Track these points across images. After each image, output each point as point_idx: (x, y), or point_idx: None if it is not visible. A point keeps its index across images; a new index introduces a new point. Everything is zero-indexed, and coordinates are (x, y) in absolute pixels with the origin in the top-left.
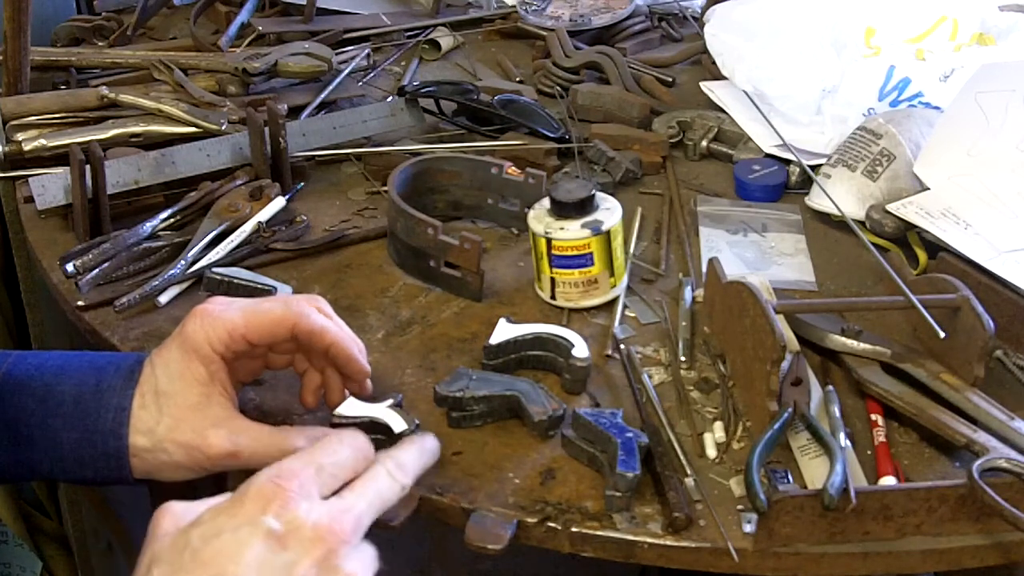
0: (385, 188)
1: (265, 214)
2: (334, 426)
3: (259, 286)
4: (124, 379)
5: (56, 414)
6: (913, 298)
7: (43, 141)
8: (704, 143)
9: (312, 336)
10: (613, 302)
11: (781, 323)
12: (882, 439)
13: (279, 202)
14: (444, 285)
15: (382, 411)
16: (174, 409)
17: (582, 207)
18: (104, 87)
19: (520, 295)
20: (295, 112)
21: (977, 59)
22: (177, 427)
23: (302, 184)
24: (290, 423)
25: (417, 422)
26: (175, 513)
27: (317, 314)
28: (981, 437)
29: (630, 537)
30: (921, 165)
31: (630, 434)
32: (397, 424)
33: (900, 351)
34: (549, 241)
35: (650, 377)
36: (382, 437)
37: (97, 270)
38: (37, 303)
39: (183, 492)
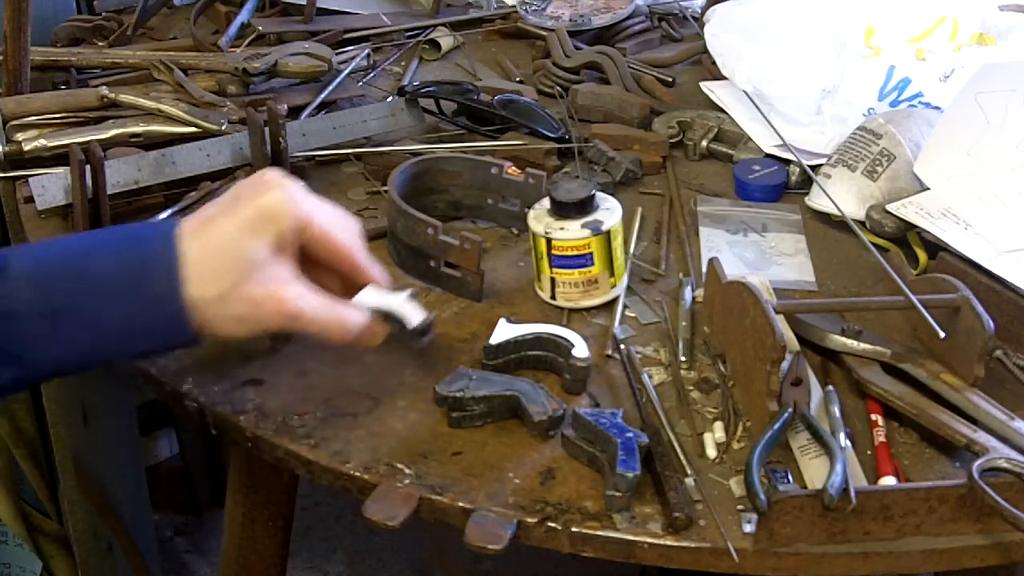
0: (385, 188)
1: None
2: None
3: None
4: (163, 242)
5: (104, 291)
6: (913, 298)
7: (43, 141)
8: (704, 143)
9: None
10: (613, 302)
11: (781, 323)
12: (882, 439)
13: None
14: (444, 285)
15: (400, 303)
16: (243, 264)
17: (582, 207)
18: (104, 87)
19: (520, 295)
20: (295, 112)
21: (977, 59)
22: (246, 280)
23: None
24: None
25: (432, 316)
26: None
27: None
28: (981, 437)
29: (630, 537)
30: (921, 165)
31: (630, 434)
32: (414, 317)
33: (900, 351)
34: (549, 241)
35: (650, 377)
36: (394, 325)
37: None
38: None
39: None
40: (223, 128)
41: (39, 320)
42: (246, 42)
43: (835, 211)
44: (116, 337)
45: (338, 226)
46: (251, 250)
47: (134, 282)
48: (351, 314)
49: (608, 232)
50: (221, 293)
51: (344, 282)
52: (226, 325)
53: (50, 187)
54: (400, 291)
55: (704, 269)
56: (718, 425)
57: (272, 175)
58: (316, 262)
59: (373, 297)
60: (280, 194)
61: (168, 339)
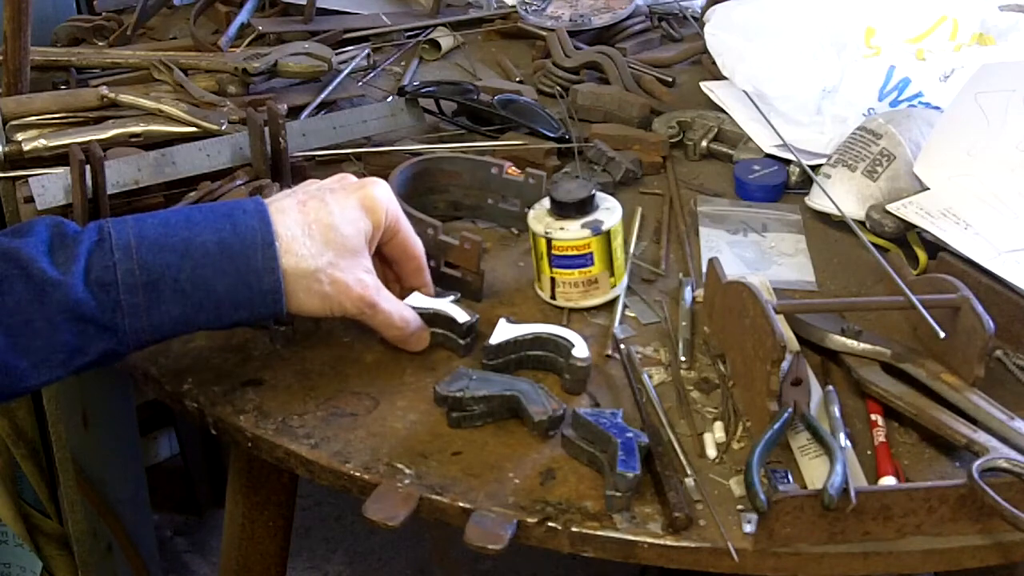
0: None
1: None
2: None
3: None
4: (259, 219)
5: (204, 264)
6: (913, 298)
7: (43, 141)
8: (704, 143)
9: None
10: (613, 302)
11: (781, 323)
12: (882, 439)
13: None
14: (444, 285)
15: (446, 305)
16: (338, 247)
17: (582, 207)
18: (104, 87)
19: (520, 295)
20: (295, 112)
21: (977, 59)
22: (338, 263)
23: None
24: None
25: (477, 317)
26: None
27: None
28: (981, 437)
29: (630, 537)
30: (921, 165)
31: (630, 434)
32: (460, 316)
33: (900, 351)
34: (549, 241)
35: (650, 377)
36: (440, 331)
37: None
38: None
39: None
40: (223, 128)
41: (137, 291)
42: (246, 42)
43: (835, 211)
44: (212, 307)
45: (414, 233)
46: (351, 235)
47: (233, 256)
48: (413, 315)
49: (608, 232)
50: (315, 268)
51: (399, 284)
52: (309, 301)
53: (50, 187)
54: (444, 296)
55: (704, 269)
56: (718, 425)
57: (356, 177)
58: (383, 260)
59: (422, 300)
60: (383, 190)
61: (262, 310)
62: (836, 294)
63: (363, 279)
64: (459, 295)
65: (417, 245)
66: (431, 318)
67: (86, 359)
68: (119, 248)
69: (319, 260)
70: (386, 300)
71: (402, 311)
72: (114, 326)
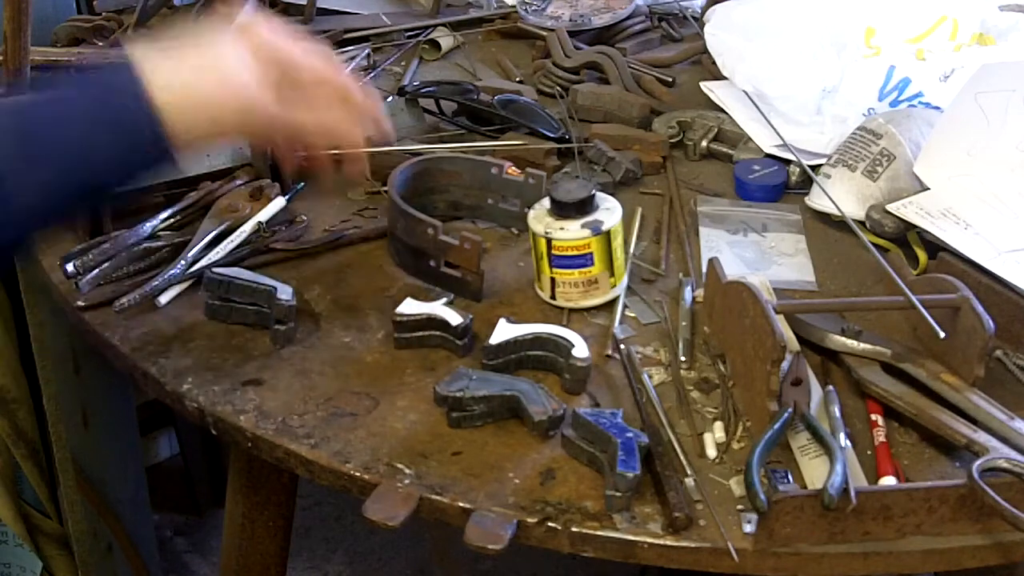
0: (385, 188)
1: (265, 214)
2: (396, 324)
3: (259, 286)
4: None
5: (71, 119)
6: (913, 298)
7: None
8: (704, 143)
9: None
10: (613, 302)
11: (781, 323)
12: (882, 439)
13: (279, 202)
14: (444, 285)
15: (439, 308)
16: (213, 61)
17: (582, 207)
18: None
19: (520, 295)
20: None
21: (977, 59)
22: (214, 73)
23: (302, 184)
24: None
25: (470, 318)
26: None
27: None
28: (981, 437)
29: (630, 537)
30: (921, 165)
31: (630, 434)
32: (453, 319)
33: (900, 351)
34: (549, 241)
35: (650, 377)
36: (437, 333)
37: (97, 270)
38: (37, 303)
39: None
40: None
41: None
42: None
43: (835, 211)
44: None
45: (316, 58)
46: (225, 55)
47: (104, 101)
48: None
49: (608, 232)
50: (186, 82)
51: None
52: (198, 126)
53: None
54: (437, 299)
55: (704, 269)
56: (718, 425)
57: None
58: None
59: (415, 306)
60: (263, 28)
61: (140, 143)
62: (836, 294)
63: (254, 86)
64: (452, 297)
65: (332, 75)
66: (425, 322)
67: None
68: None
69: (190, 75)
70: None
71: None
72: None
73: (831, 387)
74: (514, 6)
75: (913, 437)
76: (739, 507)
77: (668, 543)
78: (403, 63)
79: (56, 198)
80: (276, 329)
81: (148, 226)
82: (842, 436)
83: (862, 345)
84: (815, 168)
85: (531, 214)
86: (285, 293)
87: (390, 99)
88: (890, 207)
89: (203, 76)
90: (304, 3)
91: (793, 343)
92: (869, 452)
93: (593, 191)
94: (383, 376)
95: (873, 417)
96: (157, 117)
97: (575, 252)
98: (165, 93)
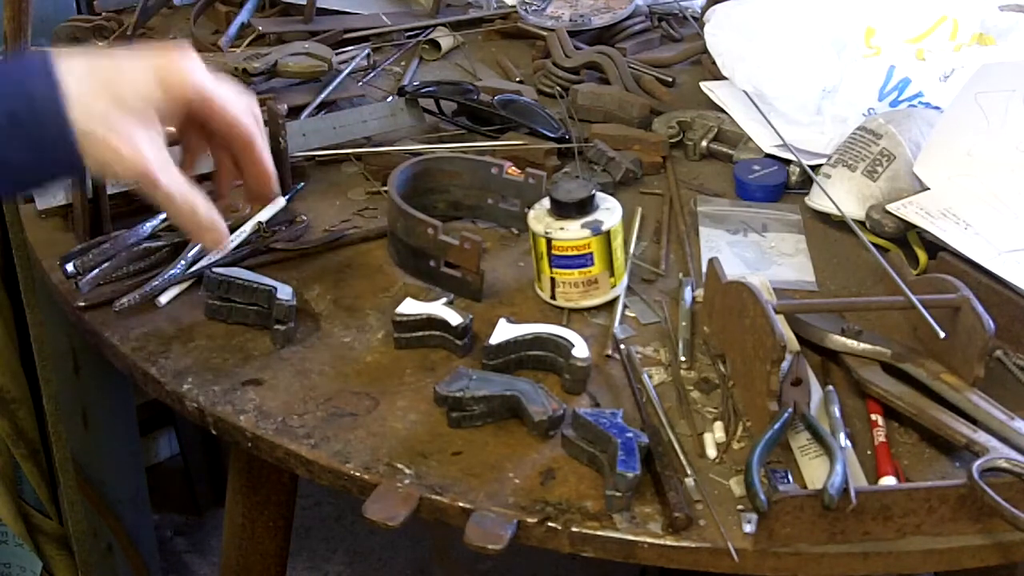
0: (385, 188)
1: (265, 214)
2: (396, 324)
3: (259, 286)
4: (45, 77)
5: None
6: (913, 298)
7: None
8: (704, 143)
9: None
10: (613, 302)
11: (781, 323)
12: (882, 439)
13: (279, 202)
14: (444, 285)
15: (438, 308)
16: (120, 109)
17: (582, 207)
18: None
19: (520, 295)
20: (295, 112)
21: (977, 59)
22: (114, 125)
23: (302, 184)
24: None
25: (470, 318)
26: None
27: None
28: (981, 437)
29: (630, 537)
30: (921, 165)
31: (630, 434)
32: (453, 319)
33: (900, 351)
34: (549, 241)
35: (650, 377)
36: (437, 333)
37: (97, 270)
38: (37, 303)
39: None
40: None
41: None
42: (246, 42)
43: (835, 211)
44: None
45: (242, 111)
46: (134, 101)
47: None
48: (204, 202)
49: (608, 232)
50: (104, 112)
51: (237, 165)
52: (104, 152)
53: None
54: (437, 299)
55: (704, 269)
56: (718, 425)
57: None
58: (212, 137)
59: (415, 306)
60: (188, 61)
61: (53, 156)
62: (836, 294)
63: (139, 145)
64: (452, 297)
65: (242, 123)
66: (425, 322)
67: None
68: None
69: (94, 117)
70: (168, 176)
71: (188, 195)
72: None
73: (831, 387)
74: (514, 6)
75: (913, 437)
76: (739, 507)
77: (668, 543)
78: (403, 63)
79: None
80: (276, 329)
81: (148, 226)
82: (842, 436)
83: (862, 345)
84: (815, 168)
85: (531, 214)
86: (285, 293)
87: (390, 99)
88: (890, 207)
89: (102, 67)
90: (304, 3)
91: (793, 343)
92: (869, 452)
93: (593, 191)
94: (383, 376)
95: (873, 417)
96: (55, 79)
97: (575, 252)
98: (68, 75)
